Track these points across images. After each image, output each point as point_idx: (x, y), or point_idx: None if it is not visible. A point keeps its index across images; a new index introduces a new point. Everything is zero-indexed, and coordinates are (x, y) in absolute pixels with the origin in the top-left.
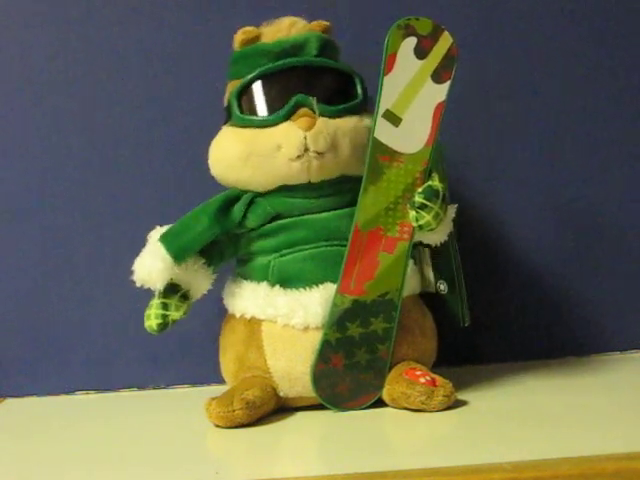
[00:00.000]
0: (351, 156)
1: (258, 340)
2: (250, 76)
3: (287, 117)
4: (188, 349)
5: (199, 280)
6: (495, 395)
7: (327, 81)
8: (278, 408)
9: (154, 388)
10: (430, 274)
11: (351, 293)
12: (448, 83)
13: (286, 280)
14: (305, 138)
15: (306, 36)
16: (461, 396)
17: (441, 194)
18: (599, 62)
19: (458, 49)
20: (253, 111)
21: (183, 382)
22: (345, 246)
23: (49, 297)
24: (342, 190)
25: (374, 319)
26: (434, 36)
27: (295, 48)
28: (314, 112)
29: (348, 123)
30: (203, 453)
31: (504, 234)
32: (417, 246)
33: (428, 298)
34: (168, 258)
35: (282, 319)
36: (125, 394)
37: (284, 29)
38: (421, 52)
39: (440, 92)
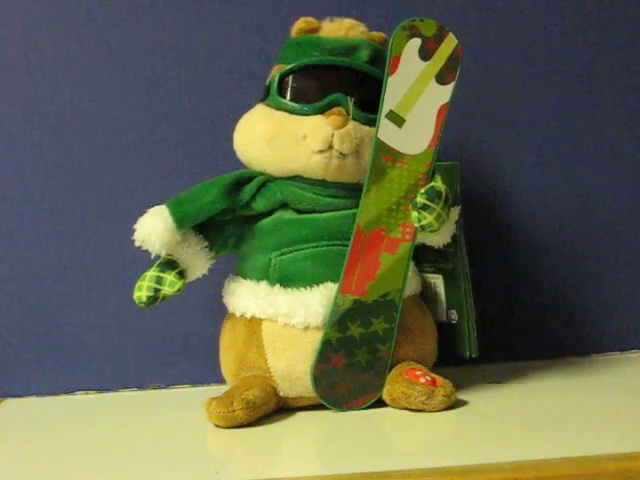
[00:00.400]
0: None
1: (258, 340)
2: (298, 62)
3: (321, 111)
4: (188, 349)
5: (197, 262)
6: (495, 395)
7: (368, 89)
8: (278, 408)
9: (154, 388)
10: (443, 303)
11: (352, 293)
12: (452, 84)
13: (287, 279)
14: (332, 135)
15: (361, 41)
16: (461, 396)
17: (444, 195)
18: (602, 62)
19: (462, 50)
20: (291, 97)
21: (183, 382)
22: (346, 246)
23: (49, 297)
24: (352, 196)
25: (375, 319)
26: (439, 37)
27: (348, 49)
28: (348, 114)
29: None
30: (203, 453)
31: (504, 234)
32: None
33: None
34: (170, 222)
35: (282, 318)
36: (125, 394)
37: (343, 29)
38: (425, 53)
39: (444, 93)
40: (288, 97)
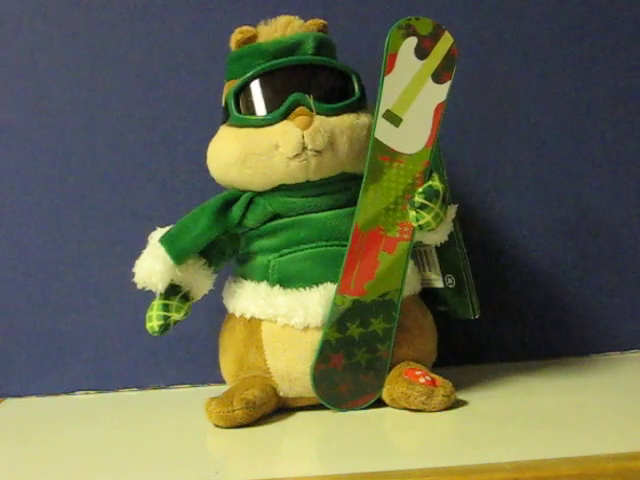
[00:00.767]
0: (349, 154)
1: (258, 340)
2: (247, 76)
3: (284, 116)
4: (188, 349)
5: (200, 281)
6: (495, 395)
7: (324, 79)
8: (278, 408)
9: (154, 388)
10: (437, 269)
11: (351, 293)
12: (448, 83)
13: (286, 280)
14: (303, 137)
15: (302, 35)
16: (461, 396)
17: (441, 194)
18: (601, 64)
19: (459, 49)
20: (250, 111)
21: (183, 382)
22: (345, 246)
23: (49, 297)
24: (341, 188)
25: (374, 319)
26: (435, 36)
27: (291, 47)
28: (311, 110)
29: (345, 121)
30: (203, 453)
31: (504, 235)
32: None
33: (425, 296)
34: (168, 260)
35: (282, 319)
36: (125, 394)
37: (280, 28)
38: (422, 52)
39: (440, 92)
40: (248, 112)
